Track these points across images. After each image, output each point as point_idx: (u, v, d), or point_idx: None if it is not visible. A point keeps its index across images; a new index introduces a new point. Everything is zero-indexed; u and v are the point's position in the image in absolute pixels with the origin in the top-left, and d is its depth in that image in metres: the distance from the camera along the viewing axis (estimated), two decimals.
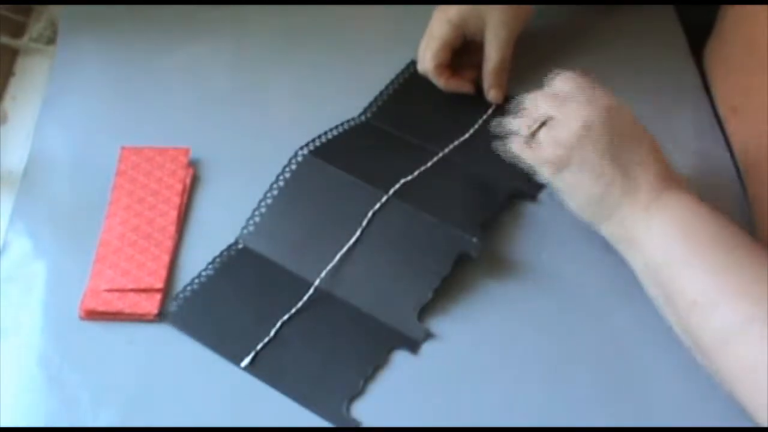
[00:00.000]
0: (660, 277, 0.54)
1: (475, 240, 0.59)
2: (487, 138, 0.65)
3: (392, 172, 0.64)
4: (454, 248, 0.59)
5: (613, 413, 0.54)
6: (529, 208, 0.65)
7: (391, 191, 0.62)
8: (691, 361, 0.54)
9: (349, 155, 0.66)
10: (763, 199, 0.63)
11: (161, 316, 0.59)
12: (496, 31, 0.68)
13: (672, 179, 0.57)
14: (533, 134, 0.59)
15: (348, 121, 0.70)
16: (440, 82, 0.70)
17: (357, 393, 0.55)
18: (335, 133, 0.68)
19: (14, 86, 0.76)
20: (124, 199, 0.65)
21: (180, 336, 0.58)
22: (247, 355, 0.57)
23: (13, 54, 0.78)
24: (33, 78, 0.76)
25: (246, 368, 0.57)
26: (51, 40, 0.79)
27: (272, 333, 0.58)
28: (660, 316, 0.55)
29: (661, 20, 0.77)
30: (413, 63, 0.72)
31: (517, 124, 0.61)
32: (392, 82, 0.73)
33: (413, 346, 0.57)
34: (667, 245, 0.54)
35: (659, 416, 0.54)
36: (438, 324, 0.58)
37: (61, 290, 0.61)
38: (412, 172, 0.64)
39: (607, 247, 0.59)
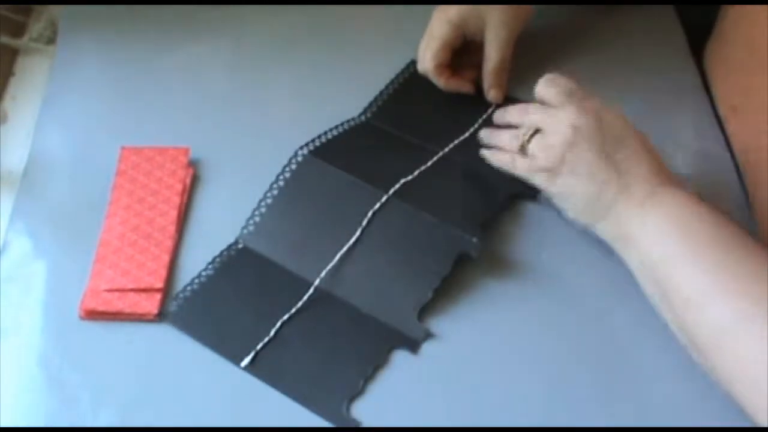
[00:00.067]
0: (656, 274, 0.54)
1: (475, 240, 0.59)
2: None
3: (392, 172, 0.64)
4: (454, 248, 0.59)
5: (613, 413, 0.54)
6: (529, 208, 0.65)
7: (391, 191, 0.62)
8: (690, 361, 0.54)
9: (349, 155, 0.66)
10: (763, 199, 0.63)
11: (161, 316, 0.59)
12: (496, 31, 0.68)
13: (667, 176, 0.57)
14: (523, 147, 0.60)
15: (348, 121, 0.70)
16: (440, 82, 0.70)
17: (357, 393, 0.55)
18: (335, 133, 0.68)
19: (14, 86, 0.76)
20: (124, 198, 0.65)
21: (180, 336, 0.58)
22: (247, 354, 0.57)
23: (13, 54, 0.78)
24: (33, 78, 0.76)
25: (246, 368, 0.57)
26: (51, 40, 0.79)
27: (272, 333, 0.58)
28: (659, 315, 0.55)
29: (661, 20, 0.77)
30: (413, 63, 0.72)
31: (505, 138, 0.62)
32: (392, 81, 0.73)
33: (413, 346, 0.57)
34: (662, 242, 0.54)
35: (659, 416, 0.54)
36: (438, 324, 0.58)
37: (61, 290, 0.61)
38: (412, 172, 0.64)
39: (606, 248, 0.59)
